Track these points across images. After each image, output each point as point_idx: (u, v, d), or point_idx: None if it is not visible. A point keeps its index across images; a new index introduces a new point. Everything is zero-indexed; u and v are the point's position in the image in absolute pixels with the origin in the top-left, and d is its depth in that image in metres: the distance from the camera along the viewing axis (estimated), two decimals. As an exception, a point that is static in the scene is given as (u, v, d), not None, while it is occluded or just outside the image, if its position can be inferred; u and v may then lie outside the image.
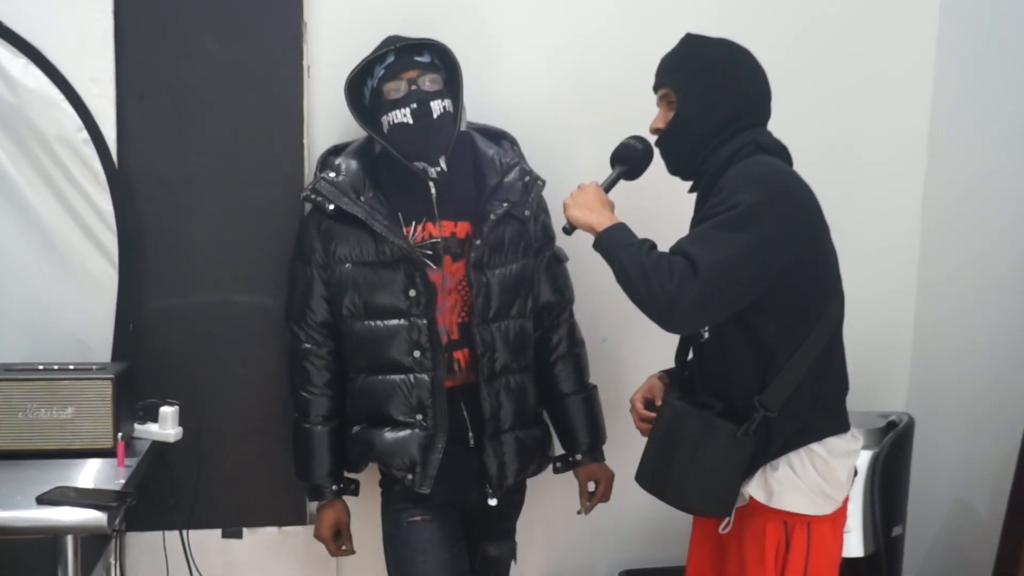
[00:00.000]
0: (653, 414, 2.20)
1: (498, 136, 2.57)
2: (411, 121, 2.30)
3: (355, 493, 2.52)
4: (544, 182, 2.52)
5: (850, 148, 3.00)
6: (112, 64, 2.50)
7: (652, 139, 2.21)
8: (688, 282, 1.86)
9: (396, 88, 2.31)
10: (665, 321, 1.93)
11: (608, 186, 2.20)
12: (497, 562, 2.54)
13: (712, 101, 2.07)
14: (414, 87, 2.31)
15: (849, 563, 2.57)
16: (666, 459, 2.08)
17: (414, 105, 2.30)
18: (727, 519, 2.09)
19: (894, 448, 2.60)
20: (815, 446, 2.03)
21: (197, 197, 2.62)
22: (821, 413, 2.05)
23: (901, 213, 3.08)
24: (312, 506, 2.73)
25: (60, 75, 2.46)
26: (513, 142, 2.59)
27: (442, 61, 2.37)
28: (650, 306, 1.92)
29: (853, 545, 2.56)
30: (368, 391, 2.38)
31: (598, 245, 2.05)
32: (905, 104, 3.03)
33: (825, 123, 2.95)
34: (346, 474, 2.50)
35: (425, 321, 2.33)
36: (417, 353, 2.33)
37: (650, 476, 2.13)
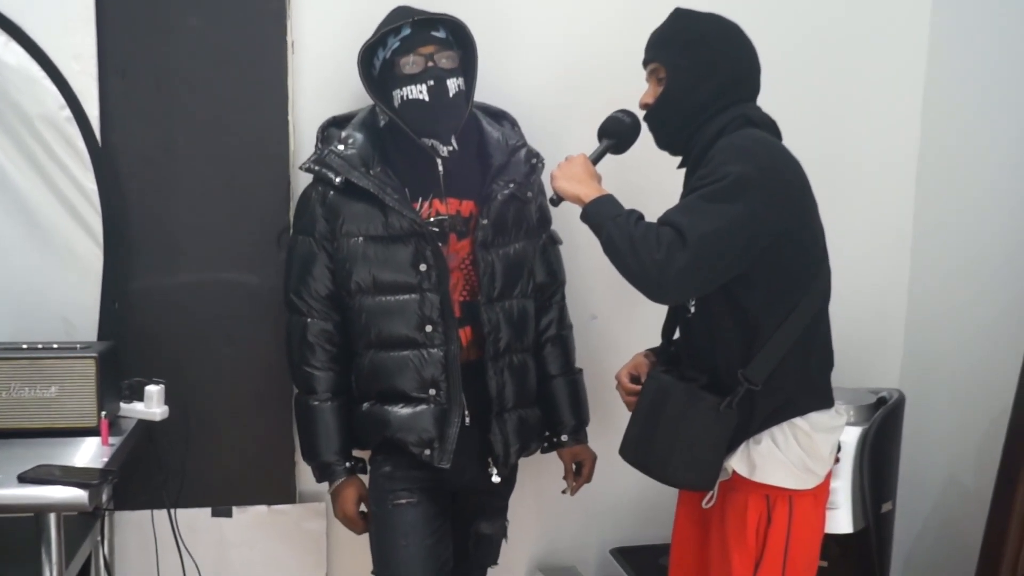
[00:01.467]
0: (639, 387, 2.20)
1: (498, 116, 2.55)
2: (427, 99, 2.27)
3: (364, 471, 2.46)
4: (544, 164, 2.50)
5: (845, 130, 2.99)
6: (94, 41, 2.48)
7: (641, 114, 2.19)
8: (676, 252, 1.85)
9: (412, 63, 2.28)
10: (653, 291, 1.93)
11: (596, 159, 2.19)
12: (489, 539, 2.53)
13: (700, 76, 2.05)
14: (430, 64, 2.28)
15: (838, 539, 2.57)
16: (650, 432, 2.08)
17: (431, 82, 2.27)
18: (710, 493, 2.09)
19: (884, 424, 2.59)
20: (798, 420, 2.03)
21: (181, 175, 2.60)
22: (805, 388, 2.05)
23: (896, 190, 3.08)
24: (302, 484, 2.75)
25: (41, 52, 2.44)
26: (514, 123, 2.57)
27: (456, 38, 2.34)
28: (638, 276, 1.91)
29: (842, 521, 2.56)
30: (379, 367, 2.35)
31: (585, 216, 2.05)
32: (899, 87, 3.02)
33: (820, 106, 2.95)
34: (354, 452, 2.45)
35: (438, 296, 2.30)
36: (428, 328, 2.31)
37: (634, 449, 2.13)
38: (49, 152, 2.46)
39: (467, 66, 2.36)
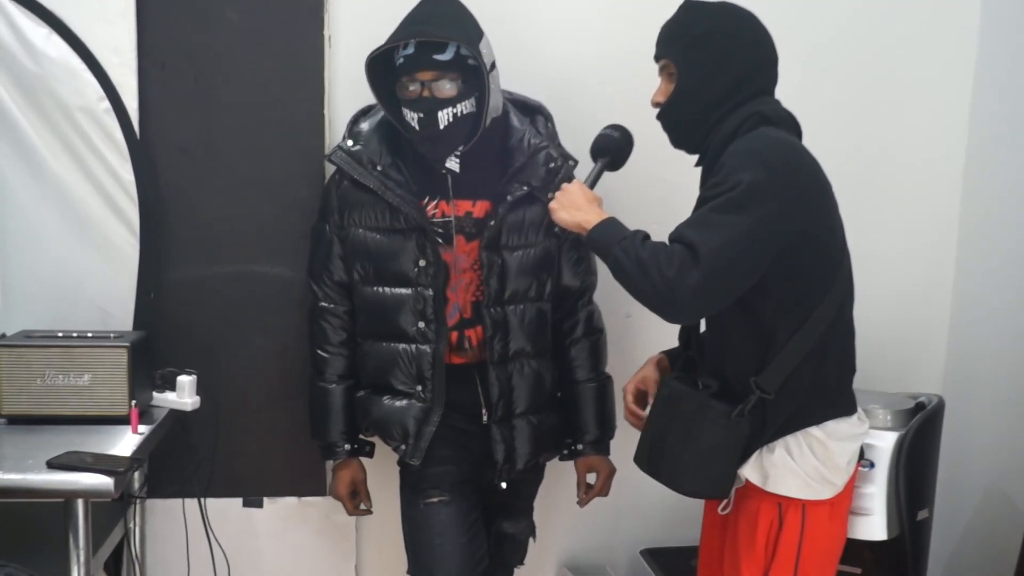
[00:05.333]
0: (642, 412, 2.17)
1: (533, 111, 2.50)
2: (417, 128, 2.25)
3: (369, 455, 2.50)
4: (576, 162, 2.45)
5: (890, 129, 2.95)
6: (133, 34, 2.51)
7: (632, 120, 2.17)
8: (688, 269, 1.81)
9: (409, 87, 2.24)
10: (667, 310, 1.88)
11: (592, 182, 2.16)
12: (513, 539, 2.53)
13: (711, 71, 2.00)
14: (426, 92, 2.22)
15: (872, 546, 2.53)
16: (661, 439, 2.05)
17: (421, 115, 2.23)
18: (726, 500, 2.05)
19: (921, 430, 2.52)
20: (813, 429, 1.97)
21: (218, 167, 2.63)
22: (822, 396, 1.99)
23: (941, 192, 3.02)
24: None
25: (82, 45, 2.47)
26: (548, 118, 2.51)
27: (472, 51, 2.24)
28: (650, 297, 1.87)
29: (876, 528, 2.50)
30: (373, 357, 2.38)
31: (590, 243, 2.01)
32: (946, 86, 2.97)
33: (865, 106, 2.92)
34: (361, 436, 2.48)
35: (431, 292, 2.30)
36: (421, 324, 2.31)
37: (647, 456, 2.10)
38: (88, 143, 2.49)
39: (480, 82, 2.27)
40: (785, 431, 1.97)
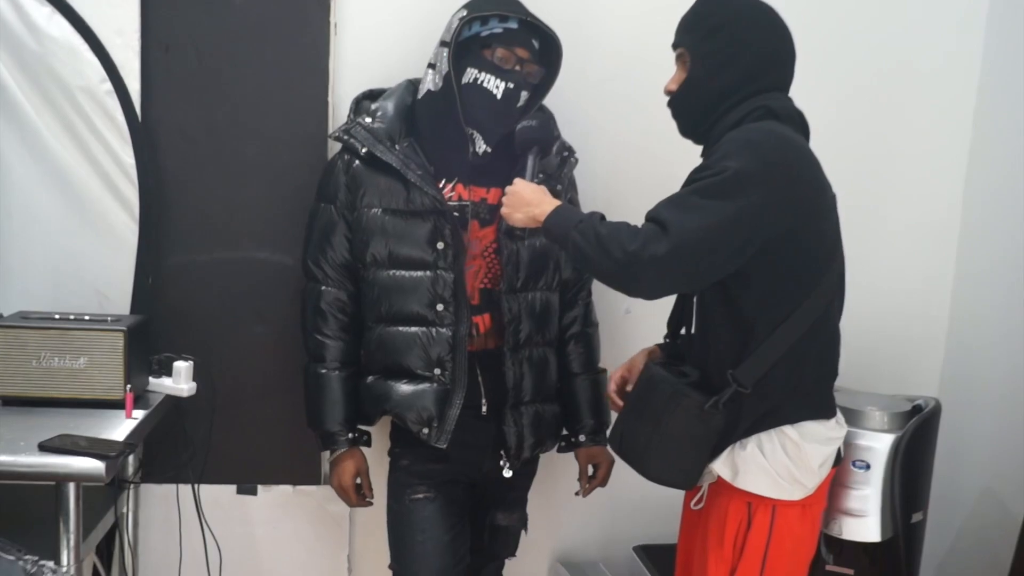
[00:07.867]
0: (620, 402, 2.15)
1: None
2: (499, 96, 2.25)
3: (368, 444, 2.48)
4: (577, 159, 2.48)
5: (891, 131, 2.95)
6: (137, 15, 2.49)
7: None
8: (655, 243, 1.79)
9: (505, 58, 2.25)
10: (627, 282, 1.87)
11: (532, 175, 2.17)
12: (506, 531, 2.52)
13: (723, 63, 1.97)
14: (519, 68, 2.26)
15: (866, 548, 2.53)
16: (634, 423, 2.04)
17: (511, 85, 2.25)
18: (699, 495, 2.05)
19: (917, 433, 2.52)
20: (787, 429, 1.95)
21: (220, 152, 2.61)
22: (799, 396, 1.97)
23: (941, 196, 3.02)
24: (327, 466, 2.74)
25: (85, 25, 2.45)
26: (550, 116, 2.51)
27: (544, 55, 2.31)
28: (608, 270, 1.86)
29: (870, 530, 2.50)
30: (387, 342, 2.34)
31: (547, 232, 2.01)
32: (949, 86, 2.97)
33: (867, 105, 2.91)
34: (360, 426, 2.45)
35: (452, 275, 2.29)
36: (440, 307, 2.30)
37: (619, 439, 2.09)
38: (89, 125, 2.48)
39: (539, 85, 2.34)
40: (759, 428, 1.96)
